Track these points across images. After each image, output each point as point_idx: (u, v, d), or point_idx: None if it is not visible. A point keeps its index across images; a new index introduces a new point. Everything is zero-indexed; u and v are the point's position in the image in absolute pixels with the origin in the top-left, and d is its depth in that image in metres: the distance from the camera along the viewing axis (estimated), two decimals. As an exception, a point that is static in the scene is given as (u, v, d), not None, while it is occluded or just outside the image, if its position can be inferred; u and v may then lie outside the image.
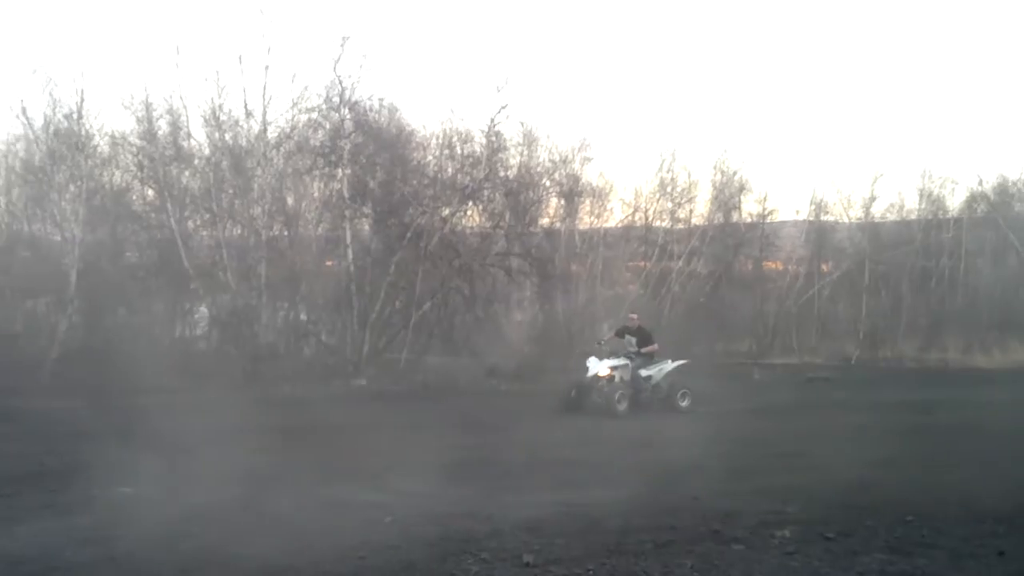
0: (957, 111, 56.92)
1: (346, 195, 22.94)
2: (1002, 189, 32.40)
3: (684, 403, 16.13)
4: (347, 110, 22.75)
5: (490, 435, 12.94)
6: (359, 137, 23.00)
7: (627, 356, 16.25)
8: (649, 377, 16.13)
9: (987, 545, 6.44)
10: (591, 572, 5.82)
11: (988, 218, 32.13)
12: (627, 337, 16.58)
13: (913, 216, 32.39)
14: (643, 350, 16.26)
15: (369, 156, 23.37)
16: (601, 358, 16.12)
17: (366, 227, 24.42)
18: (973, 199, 32.78)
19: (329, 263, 24.53)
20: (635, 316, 17.34)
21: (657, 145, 31.13)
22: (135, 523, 7.11)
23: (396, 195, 23.27)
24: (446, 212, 24.04)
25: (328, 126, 23.17)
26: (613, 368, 15.92)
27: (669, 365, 16.54)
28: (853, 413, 15.88)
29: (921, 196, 32.28)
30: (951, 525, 6.92)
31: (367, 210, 23.86)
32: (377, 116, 23.89)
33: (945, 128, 56.34)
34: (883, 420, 14.64)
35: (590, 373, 15.89)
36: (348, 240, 22.88)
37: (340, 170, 23.00)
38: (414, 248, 22.84)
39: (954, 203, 32.88)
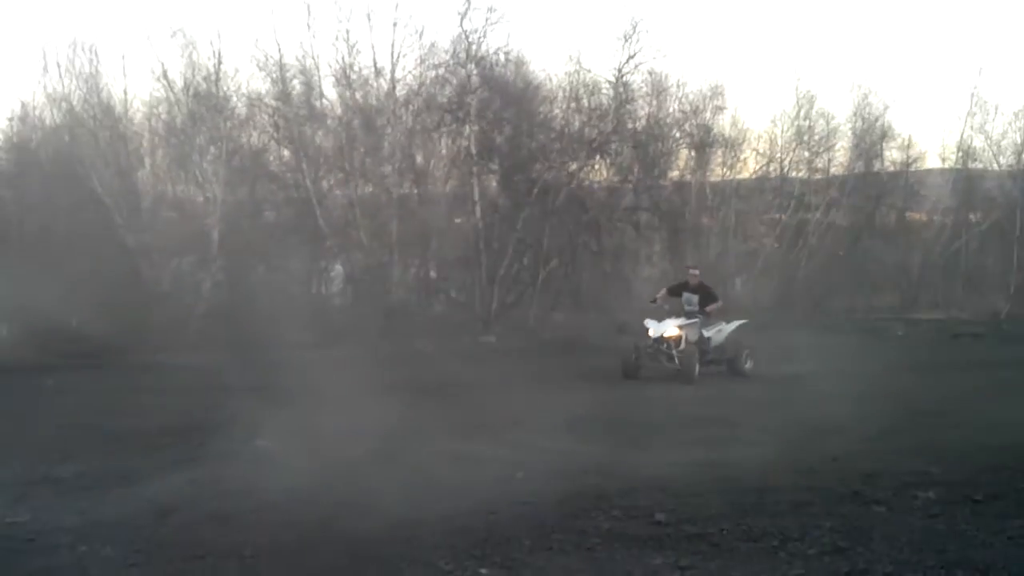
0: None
1: (473, 151, 23.02)
2: None
3: (748, 365, 14.74)
4: (473, 65, 22.78)
5: (620, 392, 12.86)
6: (485, 92, 23.03)
7: (690, 316, 14.54)
8: (709, 339, 14.64)
9: None
10: (725, 532, 5.71)
11: None
12: (686, 295, 14.77)
13: (1071, 160, 30.35)
14: (707, 309, 14.52)
15: (496, 111, 23.39)
16: (660, 318, 14.50)
17: (493, 183, 24.49)
18: None
19: (457, 220, 24.73)
20: (697, 271, 15.35)
21: (794, 92, 30.05)
22: (276, 475, 7.35)
23: (523, 150, 23.25)
24: (573, 167, 23.88)
25: (455, 82, 23.28)
26: (682, 328, 14.28)
27: (729, 325, 15.09)
28: (1002, 370, 15.07)
29: (1078, 139, 30.18)
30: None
31: (494, 166, 23.93)
32: (503, 70, 23.87)
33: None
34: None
35: (654, 334, 14.29)
36: (476, 197, 23.01)
37: (467, 126, 23.08)
38: (541, 204, 22.81)
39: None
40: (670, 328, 14.20)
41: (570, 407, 10.67)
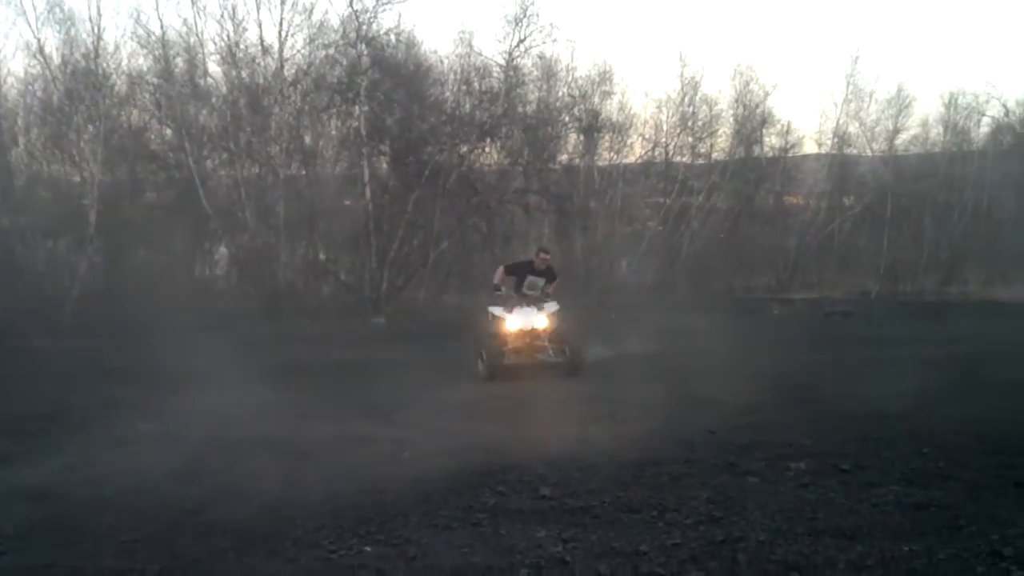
0: (984, 38, 55.64)
1: (363, 133, 22.86)
2: (1029, 119, 31.87)
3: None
4: (364, 46, 22.60)
5: (509, 373, 12.99)
6: (376, 73, 22.86)
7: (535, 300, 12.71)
8: None
9: (1004, 476, 6.42)
10: (607, 504, 5.87)
11: (1013, 150, 31.62)
12: (530, 279, 12.82)
13: (937, 149, 31.92)
14: (549, 289, 12.91)
15: (386, 93, 23.24)
16: (510, 307, 12.54)
17: (384, 165, 24.37)
18: (999, 130, 32.28)
19: (347, 202, 24.53)
20: (548, 256, 13.27)
21: (678, 78, 30.74)
22: (157, 459, 7.23)
23: (414, 132, 23.17)
24: (464, 149, 23.94)
25: (345, 62, 23.05)
26: (550, 315, 12.60)
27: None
28: (870, 347, 15.82)
29: (946, 128, 31.79)
30: (967, 457, 6.90)
31: (385, 148, 23.80)
32: (394, 52, 23.75)
33: (971, 59, 55.12)
34: (900, 354, 14.59)
35: (519, 326, 12.40)
36: (366, 178, 22.86)
37: (357, 107, 22.90)
38: (432, 186, 22.81)
39: (979, 135, 32.42)
40: (539, 319, 12.47)
41: (458, 388, 10.77)
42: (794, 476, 6.51)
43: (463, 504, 5.90)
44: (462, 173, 23.52)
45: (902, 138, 31.83)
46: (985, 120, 32.19)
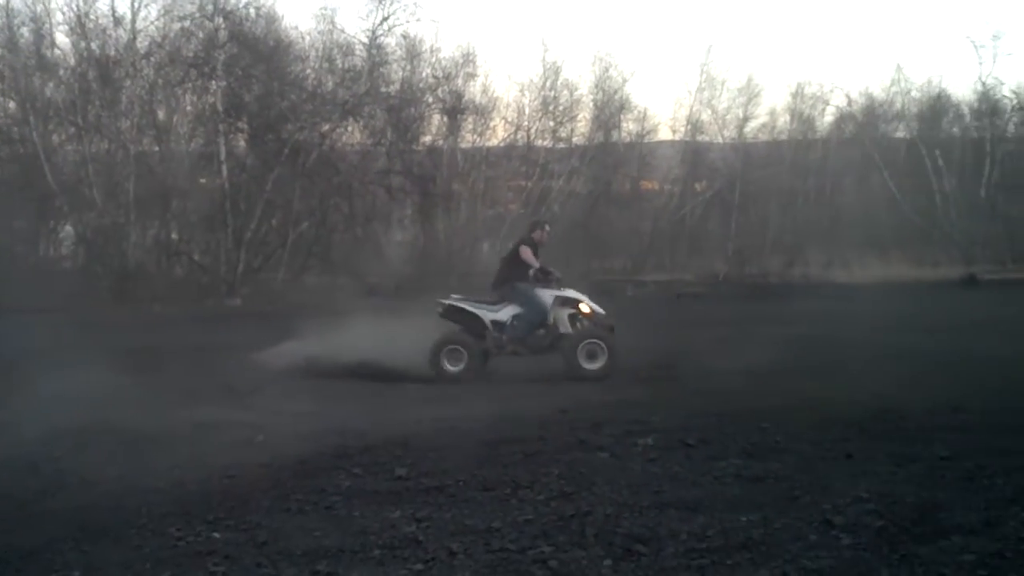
0: (829, 31, 58.26)
1: (220, 109, 22.26)
2: (869, 110, 33.53)
3: None
4: (221, 19, 22.01)
5: (367, 355, 12.91)
6: (234, 48, 22.29)
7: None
8: None
9: (836, 449, 6.80)
10: (461, 483, 5.93)
11: (855, 138, 33.25)
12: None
13: (784, 137, 33.31)
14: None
15: (245, 68, 22.69)
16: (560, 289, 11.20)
17: (241, 143, 23.83)
18: (842, 120, 33.88)
19: (202, 180, 23.83)
20: (548, 228, 12.00)
21: (540, 63, 31.09)
22: (-5, 446, 6.90)
23: (273, 109, 22.71)
24: (325, 128, 23.63)
25: (201, 36, 22.37)
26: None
27: None
28: (717, 327, 16.42)
29: (792, 117, 33.19)
30: (803, 431, 7.27)
31: (242, 125, 23.25)
32: (253, 26, 23.18)
33: (817, 50, 57.63)
34: (745, 333, 15.17)
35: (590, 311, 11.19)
36: (222, 156, 22.27)
37: (214, 83, 22.29)
38: (292, 165, 22.42)
39: (823, 124, 33.96)
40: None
41: (314, 371, 10.63)
42: (642, 451, 6.72)
43: (316, 487, 5.85)
44: (323, 152, 23.21)
45: (751, 126, 33.15)
46: (829, 109, 33.79)
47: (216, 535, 4.99)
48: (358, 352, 10.78)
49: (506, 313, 11.02)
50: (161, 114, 23.54)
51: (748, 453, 6.67)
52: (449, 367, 10.84)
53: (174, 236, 23.15)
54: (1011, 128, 32.72)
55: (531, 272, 10.89)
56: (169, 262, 22.78)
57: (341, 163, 24.02)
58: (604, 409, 8.13)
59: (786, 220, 32.07)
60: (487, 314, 11.07)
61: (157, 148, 23.17)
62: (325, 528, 5.11)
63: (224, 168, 22.15)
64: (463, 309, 11.17)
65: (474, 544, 4.81)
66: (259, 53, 22.80)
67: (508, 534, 4.95)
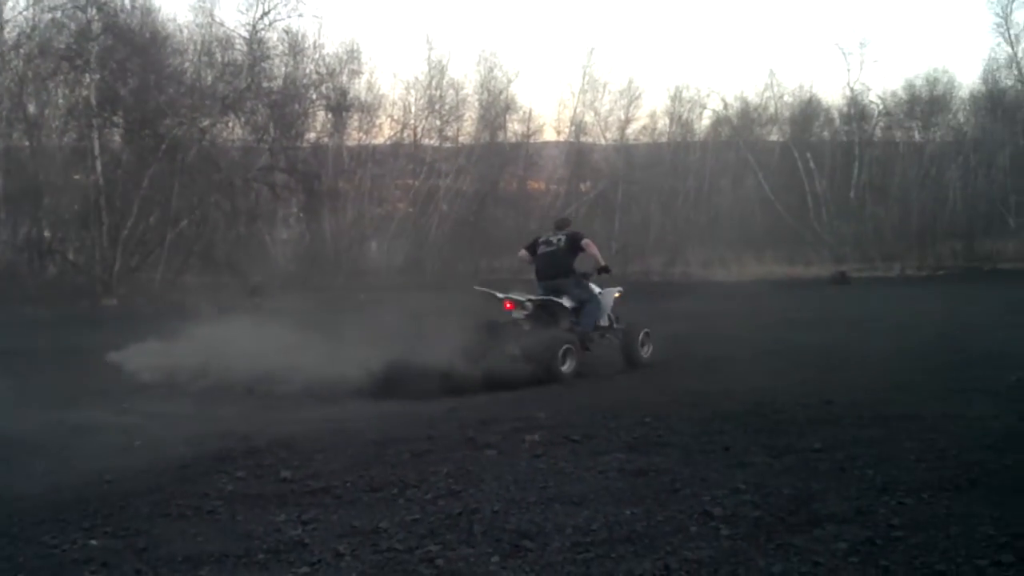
0: (706, 36, 59.86)
1: (94, 103, 21.47)
2: (744, 114, 34.58)
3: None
4: (95, 10, 21.25)
5: (247, 355, 12.65)
6: (108, 40, 21.55)
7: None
8: None
9: (715, 442, 7.01)
10: (348, 484, 5.88)
11: (731, 141, 34.23)
12: None
13: (664, 139, 34.08)
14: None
15: (120, 61, 21.96)
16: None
17: (117, 138, 23.01)
18: (718, 123, 34.81)
19: (76, 176, 22.93)
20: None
21: (426, 61, 31.00)
22: None
23: (150, 104, 22.04)
24: (205, 123, 23.06)
25: (74, 27, 21.51)
26: None
27: None
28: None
29: (671, 119, 33.98)
30: (684, 425, 7.47)
31: (118, 119, 22.49)
32: (128, 18, 22.45)
33: (695, 55, 59.16)
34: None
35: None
36: (96, 151, 21.49)
37: (87, 76, 21.47)
38: (170, 161, 21.80)
39: (701, 127, 34.88)
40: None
41: (195, 371, 10.36)
42: (528, 448, 6.80)
43: (198, 492, 5.72)
44: (203, 148, 22.64)
45: (633, 128, 33.82)
46: (706, 113, 34.72)
47: (93, 542, 4.83)
48: (235, 353, 10.51)
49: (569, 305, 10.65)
50: (32, 108, 22.57)
51: (631, 447, 6.81)
52: (566, 369, 10.04)
53: (46, 234, 22.22)
54: (878, 132, 34.22)
55: (602, 264, 10.87)
56: (41, 261, 21.86)
57: (222, 160, 23.51)
58: (492, 407, 8.18)
59: (667, 220, 32.82)
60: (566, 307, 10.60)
61: (28, 143, 22.21)
62: (207, 533, 5.00)
63: (99, 164, 21.37)
64: (553, 302, 10.55)
65: (361, 545, 4.78)
66: (135, 46, 22.11)
67: (395, 534, 4.94)
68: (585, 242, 10.80)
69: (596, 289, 10.99)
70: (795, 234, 32.10)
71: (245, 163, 24.51)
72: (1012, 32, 31.22)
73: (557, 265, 10.70)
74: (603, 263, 10.89)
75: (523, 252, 11.40)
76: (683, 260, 31.82)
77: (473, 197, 31.10)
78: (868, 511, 5.30)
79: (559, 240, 10.83)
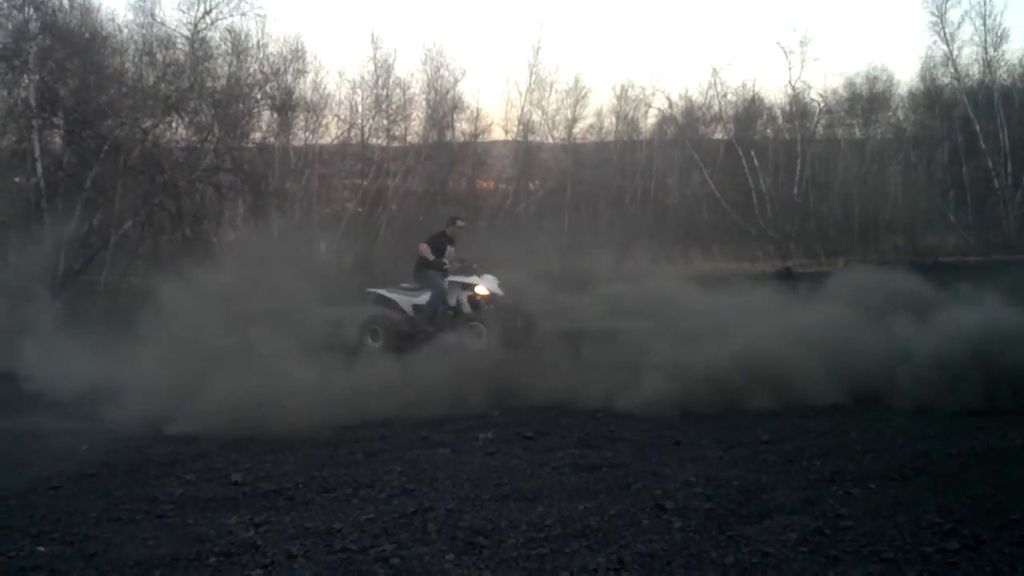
0: (650, 35, 60.27)
1: (33, 104, 20.99)
2: (689, 113, 34.89)
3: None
4: (32, 10, 20.80)
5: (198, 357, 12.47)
6: (47, 40, 21.10)
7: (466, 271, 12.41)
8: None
9: (666, 436, 7.11)
10: (301, 485, 5.87)
11: (676, 140, 34.50)
12: (449, 249, 12.58)
13: (611, 137, 34.25)
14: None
15: (59, 61, 21.50)
16: (467, 274, 12.26)
17: (57, 139, 22.53)
18: (664, 121, 35.07)
19: (16, 179, 22.42)
20: (464, 223, 13.51)
21: (372, 61, 30.76)
22: None
23: (91, 104, 21.62)
24: (147, 124, 22.64)
25: (11, 27, 21.03)
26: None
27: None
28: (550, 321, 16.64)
29: (618, 118, 34.15)
30: (635, 421, 7.57)
31: (58, 121, 22.02)
32: (67, 17, 22.02)
33: (639, 54, 59.58)
34: (580, 327, 15.45)
35: (487, 292, 12.06)
36: (37, 153, 21.02)
37: (26, 76, 20.98)
38: (112, 162, 21.40)
39: (647, 125, 35.11)
40: (498, 286, 12.22)
41: (140, 374, 10.20)
42: (482, 446, 6.84)
43: (147, 496, 5.67)
44: (146, 149, 22.25)
45: (580, 127, 33.87)
46: (652, 112, 34.94)
47: (41, 549, 4.77)
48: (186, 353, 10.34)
49: (423, 298, 12.13)
50: (-32, 109, 22.08)
51: (584, 443, 6.88)
52: (371, 342, 11.93)
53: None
54: (819, 130, 34.74)
55: (432, 260, 12.01)
56: (-20, 266, 21.39)
57: (166, 160, 23.10)
58: (445, 405, 8.16)
59: (615, 218, 32.98)
60: (407, 299, 12.26)
61: (-36, 145, 21.72)
62: (158, 537, 4.96)
63: (39, 166, 20.92)
64: (387, 297, 12.41)
65: (314, 546, 4.77)
66: (74, 45, 21.68)
67: (349, 534, 4.94)
68: (420, 245, 12.42)
69: (443, 280, 12.22)
70: (741, 230, 32.46)
71: (189, 164, 24.11)
72: (947, 30, 31.85)
73: (415, 263, 12.49)
74: (430, 259, 12.10)
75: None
76: (631, 257, 32.00)
77: (422, 197, 30.97)
78: (816, 501, 5.41)
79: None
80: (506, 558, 4.60)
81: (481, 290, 12.04)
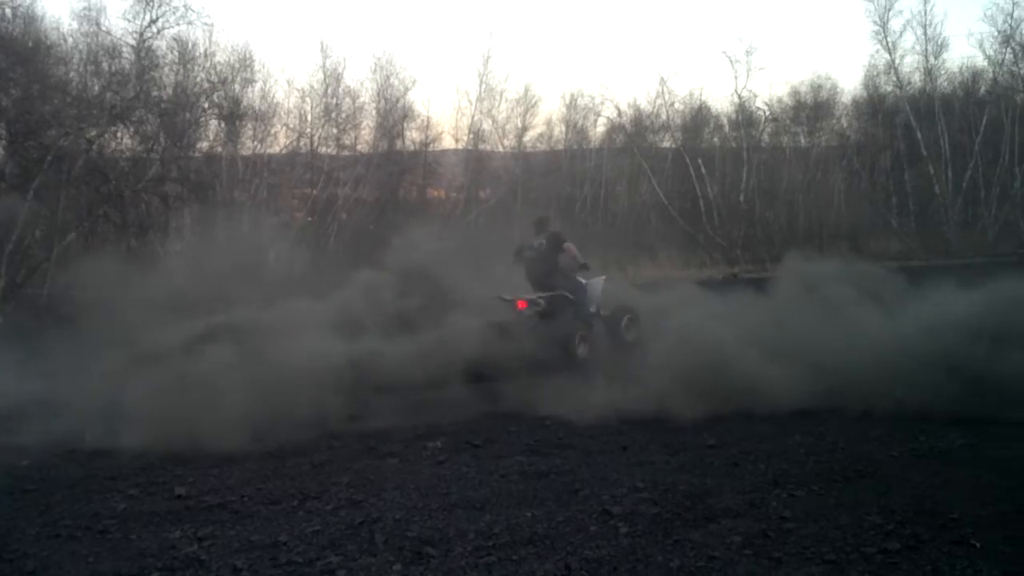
0: (598, 44, 60.66)
1: (-27, 114, 20.58)
2: (637, 121, 35.16)
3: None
4: (-28, 19, 20.36)
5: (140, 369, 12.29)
6: (-12, 49, 20.68)
7: None
8: None
9: (613, 443, 7.15)
10: (246, 498, 5.81)
11: (625, 148, 34.75)
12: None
13: (560, 146, 34.40)
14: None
15: (1, 71, 21.06)
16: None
17: (0, 150, 22.09)
18: (613, 130, 35.30)
19: (-44, 190, 21.94)
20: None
21: (321, 69, 30.50)
22: None
23: (34, 114, 21.21)
24: (92, 133, 22.28)
25: (-50, 35, 20.62)
26: None
27: None
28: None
29: (567, 127, 34.32)
30: (584, 427, 7.60)
31: (0, 131, 21.57)
32: (9, 27, 21.60)
33: (588, 63, 59.91)
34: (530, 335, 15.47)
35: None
36: (-22, 164, 20.60)
37: (-34, 86, 20.57)
38: (56, 172, 21.01)
39: (596, 134, 35.31)
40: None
41: (85, 389, 10.03)
42: (431, 455, 6.83)
43: (89, 511, 5.58)
44: (91, 159, 21.90)
45: (530, 135, 33.98)
46: (601, 120, 35.14)
47: (-25, 569, 4.67)
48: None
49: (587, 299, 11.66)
50: (-93, 120, 21.56)
51: (532, 450, 6.90)
52: (581, 353, 10.91)
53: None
54: (765, 138, 35.20)
55: (581, 263, 11.72)
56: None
57: (111, 170, 22.74)
58: (394, 414, 8.14)
59: (565, 226, 33.05)
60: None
61: (-97, 157, 21.22)
62: (99, 553, 4.89)
63: (-20, 177, 20.55)
64: (562, 296, 11.46)
65: (259, 559, 4.73)
66: (17, 55, 21.29)
67: (295, 547, 4.90)
68: (567, 245, 11.76)
69: (583, 281, 11.80)
70: (689, 237, 32.75)
71: (135, 174, 23.76)
72: (890, 39, 32.43)
73: (544, 265, 11.59)
74: (582, 261, 11.77)
75: (514, 257, 12.22)
76: (581, 264, 32.12)
77: (373, 205, 30.86)
78: (761, 504, 5.48)
79: (540, 244, 11.79)
80: (454, 567, 4.61)
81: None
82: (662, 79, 43.50)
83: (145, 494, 5.94)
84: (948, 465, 6.29)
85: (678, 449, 6.88)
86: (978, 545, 4.76)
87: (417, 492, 5.87)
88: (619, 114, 34.85)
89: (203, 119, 26.72)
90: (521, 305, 11.09)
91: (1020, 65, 32.32)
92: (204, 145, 27.21)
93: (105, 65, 23.56)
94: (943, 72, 33.30)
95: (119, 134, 23.93)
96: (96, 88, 23.10)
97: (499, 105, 32.91)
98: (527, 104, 33.23)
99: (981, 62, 33.22)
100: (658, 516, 5.31)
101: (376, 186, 30.79)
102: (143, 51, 23.81)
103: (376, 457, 6.77)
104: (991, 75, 33.00)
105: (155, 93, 24.38)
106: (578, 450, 6.90)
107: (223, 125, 27.22)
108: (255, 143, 28.73)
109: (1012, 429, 7.06)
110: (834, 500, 5.56)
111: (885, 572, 4.47)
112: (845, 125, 35.11)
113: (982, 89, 33.29)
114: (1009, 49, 32.11)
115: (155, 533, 5.18)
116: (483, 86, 32.60)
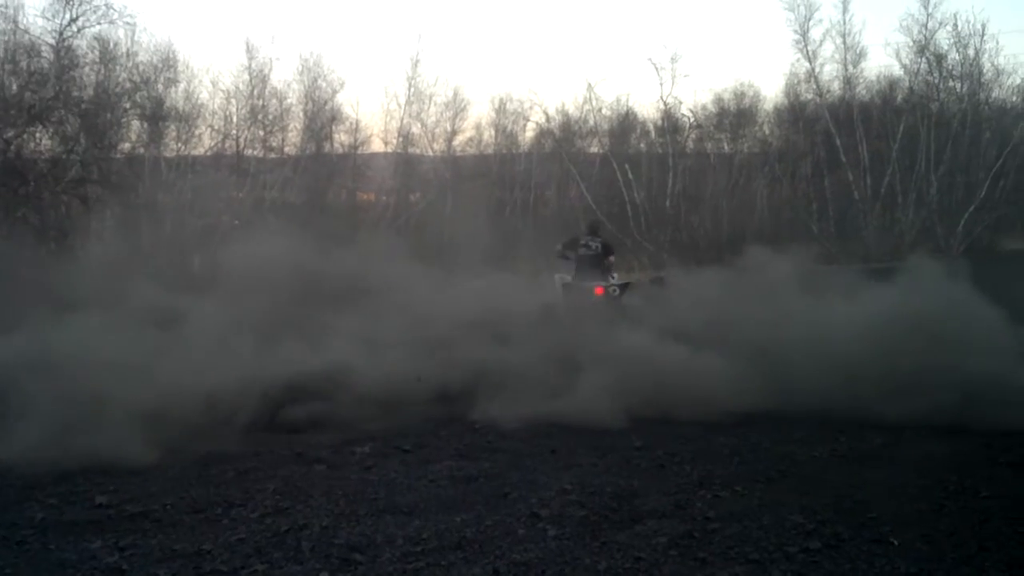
0: (527, 49, 60.85)
1: None
2: (565, 127, 35.39)
3: None
4: None
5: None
6: None
7: None
8: None
9: (542, 445, 7.20)
10: (169, 507, 5.72)
11: (554, 153, 34.97)
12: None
13: (490, 150, 34.48)
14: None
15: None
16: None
17: (-90, 150, 21.38)
18: (541, 135, 35.49)
19: None
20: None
21: (247, 71, 30.03)
22: None
23: (-52, 114, 20.59)
24: (10, 134, 21.69)
25: None
26: None
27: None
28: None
29: (496, 131, 34.40)
30: (513, 431, 7.62)
31: (-89, 131, 20.89)
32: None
33: (517, 67, 60.01)
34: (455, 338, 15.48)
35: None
36: None
37: None
38: (-30, 174, 20.41)
39: (525, 139, 35.45)
40: None
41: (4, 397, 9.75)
42: (359, 460, 6.78)
43: (6, 522, 5.43)
44: (8, 160, 21.32)
45: (459, 139, 33.95)
46: (530, 125, 35.29)
47: None
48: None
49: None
50: None
51: (462, 455, 6.91)
52: None
53: None
54: (690, 144, 35.70)
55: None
56: None
57: (29, 172, 22.17)
58: (322, 419, 8.03)
59: (496, 230, 33.16)
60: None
61: None
62: (17, 565, 4.77)
63: None
64: (630, 284, 14.43)
65: (183, 569, 4.67)
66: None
67: (220, 555, 4.84)
68: (612, 258, 14.47)
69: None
70: (617, 241, 33.04)
71: (54, 175, 23.19)
72: (810, 48, 33.14)
73: (597, 265, 13.79)
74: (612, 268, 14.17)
75: (559, 247, 14.62)
76: (512, 269, 32.21)
77: (301, 208, 30.51)
78: (686, 505, 5.58)
79: (597, 246, 14.09)
80: (382, 573, 4.60)
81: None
82: (589, 85, 43.61)
83: (65, 503, 5.80)
84: (866, 466, 6.48)
85: (606, 451, 6.95)
86: (896, 543, 4.92)
87: (345, 498, 5.84)
88: (548, 119, 35.06)
89: (125, 120, 26.17)
90: (599, 291, 13.21)
91: (935, 75, 33.31)
92: (126, 146, 26.66)
93: (23, 64, 22.94)
94: (862, 81, 34.14)
95: (38, 134, 23.35)
96: (14, 87, 22.49)
97: (428, 108, 32.85)
98: (456, 108, 33.20)
99: (898, 71, 34.07)
100: (586, 518, 5.36)
101: (304, 189, 30.46)
102: (63, 50, 23.23)
103: (303, 463, 6.70)
104: (907, 84, 33.91)
105: (75, 93, 23.83)
106: (507, 453, 6.93)
107: (146, 126, 26.69)
108: (179, 144, 28.22)
109: (928, 431, 7.29)
110: (757, 500, 5.69)
111: (807, 570, 4.59)
112: (767, 132, 35.78)
113: (899, 98, 34.16)
114: (924, 59, 33.06)
115: (75, 543, 5.07)
116: (412, 89, 32.51)
